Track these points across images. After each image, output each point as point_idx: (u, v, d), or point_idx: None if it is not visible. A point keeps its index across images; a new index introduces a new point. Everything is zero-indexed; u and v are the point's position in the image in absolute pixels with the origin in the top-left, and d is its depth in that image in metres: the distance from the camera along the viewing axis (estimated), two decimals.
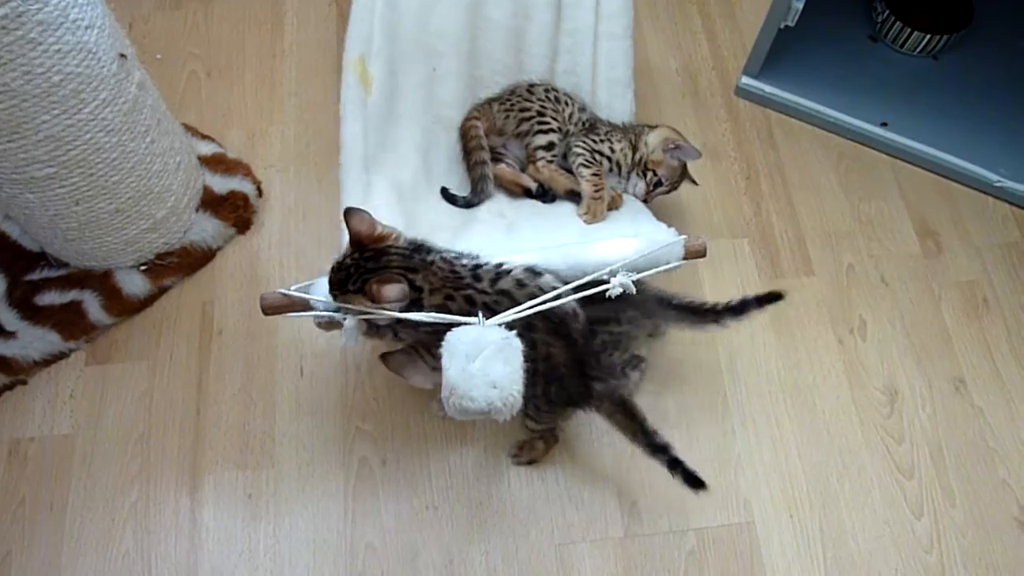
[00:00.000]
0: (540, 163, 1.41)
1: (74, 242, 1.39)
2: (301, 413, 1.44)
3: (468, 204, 1.43)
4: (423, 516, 1.36)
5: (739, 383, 1.48)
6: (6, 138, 1.11)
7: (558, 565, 1.33)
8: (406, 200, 1.34)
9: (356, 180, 1.32)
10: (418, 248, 1.08)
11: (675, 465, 1.14)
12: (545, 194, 1.43)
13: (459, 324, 0.94)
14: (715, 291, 1.56)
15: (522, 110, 1.43)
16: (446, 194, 1.42)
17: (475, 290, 1.05)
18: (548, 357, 1.08)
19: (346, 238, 1.08)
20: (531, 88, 1.46)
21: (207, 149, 1.62)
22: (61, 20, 1.07)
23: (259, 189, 1.62)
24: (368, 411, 1.44)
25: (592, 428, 1.43)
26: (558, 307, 1.03)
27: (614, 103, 1.47)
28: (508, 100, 1.47)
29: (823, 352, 1.52)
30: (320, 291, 1.12)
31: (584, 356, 1.10)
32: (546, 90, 1.46)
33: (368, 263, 1.05)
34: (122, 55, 1.21)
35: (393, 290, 0.97)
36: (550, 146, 1.41)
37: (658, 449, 1.15)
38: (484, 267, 1.08)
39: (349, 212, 1.06)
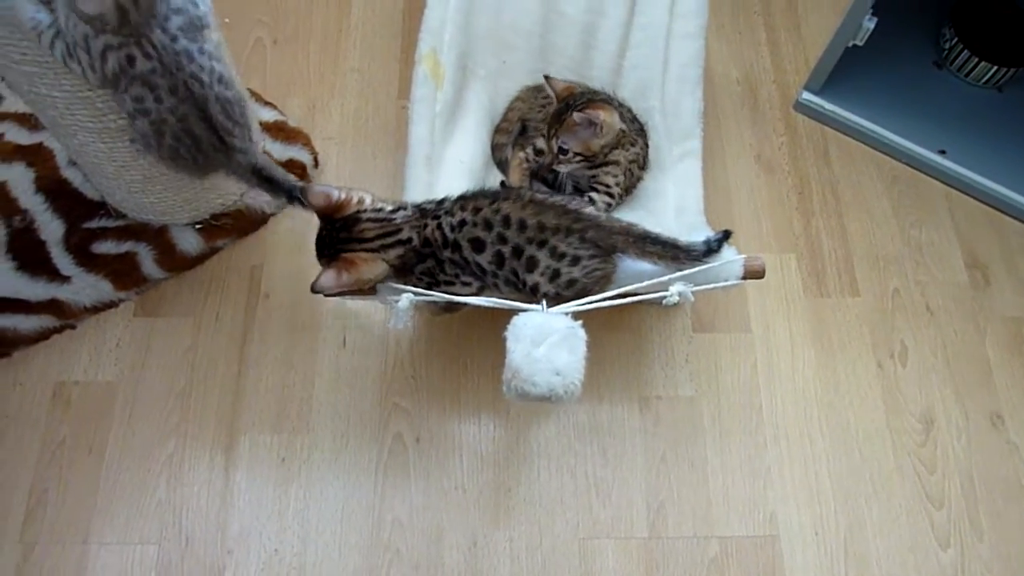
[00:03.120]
0: (521, 162, 1.42)
1: (136, 195, 1.42)
2: (340, 383, 1.46)
3: None
4: (451, 497, 1.38)
5: (775, 396, 1.48)
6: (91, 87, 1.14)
7: (581, 559, 1.34)
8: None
9: (418, 179, 1.34)
10: (400, 207, 1.15)
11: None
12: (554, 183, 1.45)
13: (522, 310, 0.95)
14: (758, 303, 1.56)
15: (556, 110, 1.42)
16: (504, 187, 1.44)
17: (445, 213, 1.14)
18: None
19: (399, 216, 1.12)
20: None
21: (269, 116, 1.64)
22: None
23: (316, 160, 1.64)
24: (406, 388, 1.46)
25: (626, 426, 1.44)
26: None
27: (683, 100, 1.47)
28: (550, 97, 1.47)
29: (862, 374, 1.51)
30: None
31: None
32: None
33: (340, 233, 1.11)
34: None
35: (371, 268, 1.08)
36: (539, 153, 1.41)
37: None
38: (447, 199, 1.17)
39: (305, 191, 1.14)
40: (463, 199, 1.15)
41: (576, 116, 1.31)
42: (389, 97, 1.76)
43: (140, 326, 1.50)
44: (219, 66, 1.17)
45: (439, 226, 1.13)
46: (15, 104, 1.64)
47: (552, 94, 1.36)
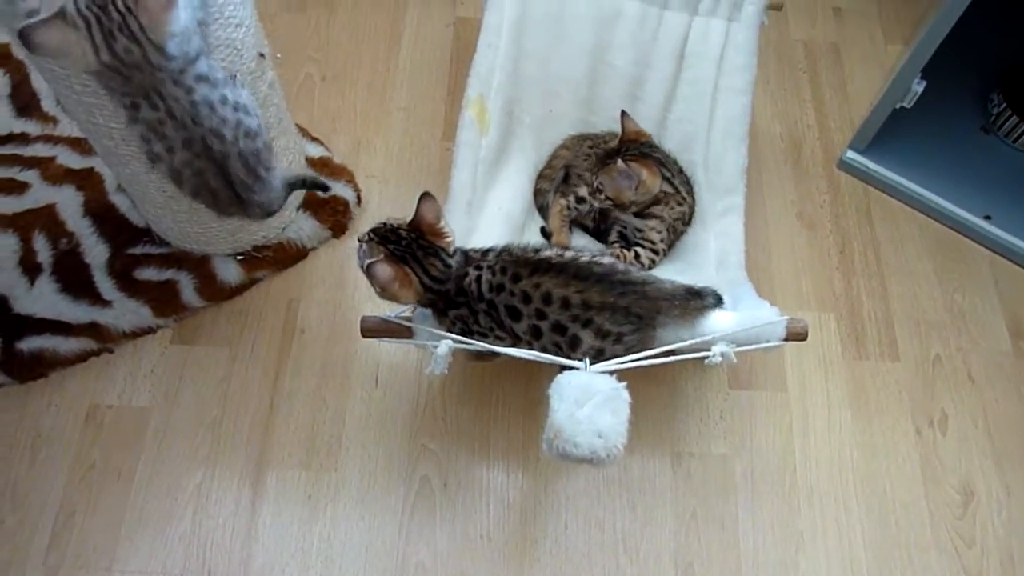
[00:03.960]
0: (562, 209, 1.42)
1: (182, 224, 1.44)
2: (370, 422, 1.45)
3: (547, 236, 1.46)
4: (477, 544, 1.36)
5: (810, 458, 1.45)
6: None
7: None
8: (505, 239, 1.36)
9: (458, 224, 1.35)
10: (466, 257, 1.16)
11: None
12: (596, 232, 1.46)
13: (565, 366, 0.95)
14: (796, 362, 1.54)
15: (607, 149, 1.43)
16: (544, 234, 1.44)
17: (487, 267, 1.13)
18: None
19: None
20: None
21: (315, 151, 1.66)
22: (216, 16, 1.11)
23: (359, 197, 1.66)
24: (436, 431, 1.45)
25: (657, 481, 1.41)
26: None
27: (727, 155, 1.47)
28: (597, 146, 1.48)
29: (900, 440, 1.48)
30: (421, 321, 1.15)
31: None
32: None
33: (417, 250, 1.10)
34: (261, 54, 1.26)
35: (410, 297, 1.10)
36: (581, 201, 1.42)
37: None
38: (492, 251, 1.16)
39: (424, 195, 1.11)
40: (504, 260, 1.13)
41: (620, 164, 1.32)
42: (434, 137, 1.77)
43: (176, 353, 1.51)
44: (247, 118, 1.15)
45: (478, 279, 1.13)
46: (68, 128, 1.68)
47: (621, 130, 1.36)
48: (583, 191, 1.42)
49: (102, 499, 1.38)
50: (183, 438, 1.43)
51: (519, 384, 1.49)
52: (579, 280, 1.07)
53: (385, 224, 1.13)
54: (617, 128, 1.51)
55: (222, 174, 1.17)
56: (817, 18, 2.01)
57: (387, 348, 1.52)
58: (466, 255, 1.15)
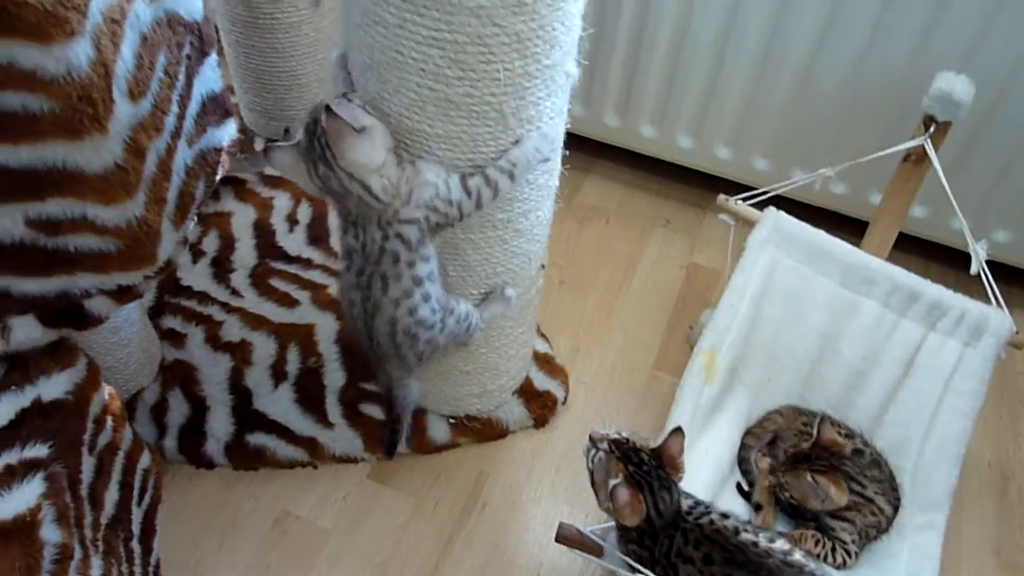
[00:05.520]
0: (765, 475, 1.46)
1: (418, 380, 1.60)
2: None
3: (747, 496, 1.49)
4: None
5: None
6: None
7: None
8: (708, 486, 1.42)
9: None
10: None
11: None
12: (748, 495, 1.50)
13: None
14: None
15: (797, 451, 1.46)
16: (740, 490, 1.49)
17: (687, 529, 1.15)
18: None
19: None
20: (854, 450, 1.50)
21: (541, 347, 1.82)
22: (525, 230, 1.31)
23: (566, 397, 1.78)
24: None
25: None
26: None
27: (937, 471, 1.47)
28: (810, 426, 1.53)
29: None
30: (613, 542, 1.21)
31: None
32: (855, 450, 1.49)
33: (655, 480, 1.14)
34: (542, 265, 1.45)
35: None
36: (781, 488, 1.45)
37: None
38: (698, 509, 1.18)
39: (677, 430, 1.17)
40: (704, 532, 1.14)
41: (809, 479, 1.37)
42: (646, 363, 1.89)
43: (368, 488, 1.64)
44: (423, 305, 1.19)
45: (671, 537, 1.15)
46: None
47: (815, 433, 1.41)
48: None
49: None
50: (350, 570, 1.52)
51: None
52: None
53: (628, 440, 1.18)
54: (831, 411, 1.57)
55: (365, 321, 1.23)
56: None
57: (555, 548, 1.57)
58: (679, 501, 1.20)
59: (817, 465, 1.40)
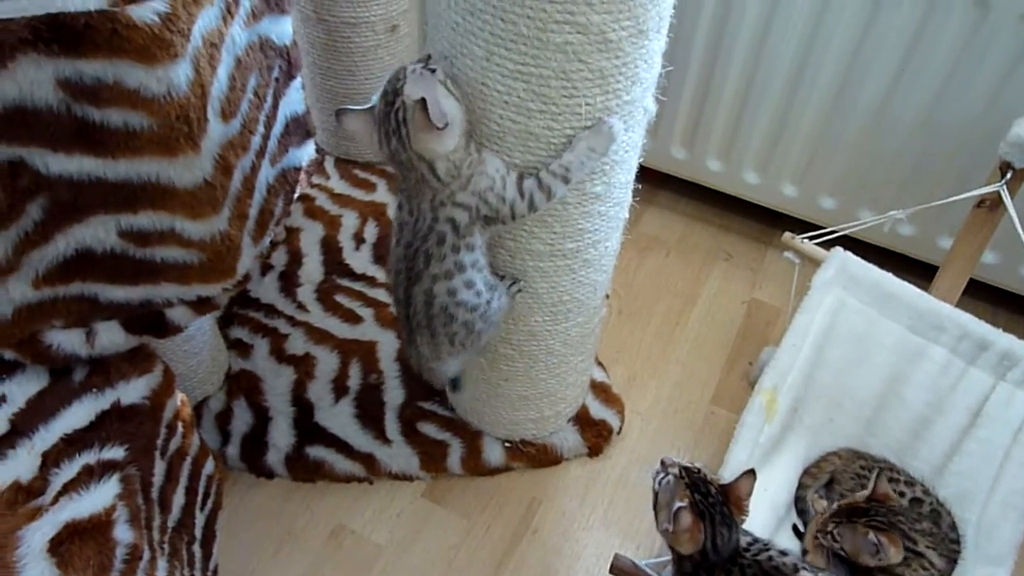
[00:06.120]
0: (820, 536, 1.41)
1: (476, 402, 1.62)
2: None
3: (803, 537, 1.47)
4: None
5: None
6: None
7: None
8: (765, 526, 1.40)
9: None
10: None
11: None
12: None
13: None
14: None
15: (852, 503, 1.43)
16: (796, 531, 1.47)
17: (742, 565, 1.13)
18: None
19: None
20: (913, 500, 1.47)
21: (599, 376, 1.83)
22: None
23: (621, 427, 1.78)
24: None
25: None
26: None
27: (1001, 525, 1.43)
28: (868, 469, 1.50)
29: None
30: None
31: None
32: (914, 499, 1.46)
33: (718, 514, 1.12)
34: (607, 295, 1.46)
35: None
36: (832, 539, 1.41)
37: None
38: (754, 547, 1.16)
39: (749, 472, 1.15)
40: (758, 570, 1.13)
41: (872, 536, 1.33)
42: (702, 398, 1.88)
43: (422, 507, 1.65)
44: (466, 291, 1.19)
45: (728, 571, 1.14)
46: None
47: (871, 486, 1.38)
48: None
49: None
50: None
51: None
52: None
53: (700, 471, 1.18)
54: (892, 458, 1.55)
55: (407, 290, 1.24)
56: None
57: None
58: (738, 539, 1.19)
59: (875, 520, 1.37)
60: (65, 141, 1.01)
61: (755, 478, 1.15)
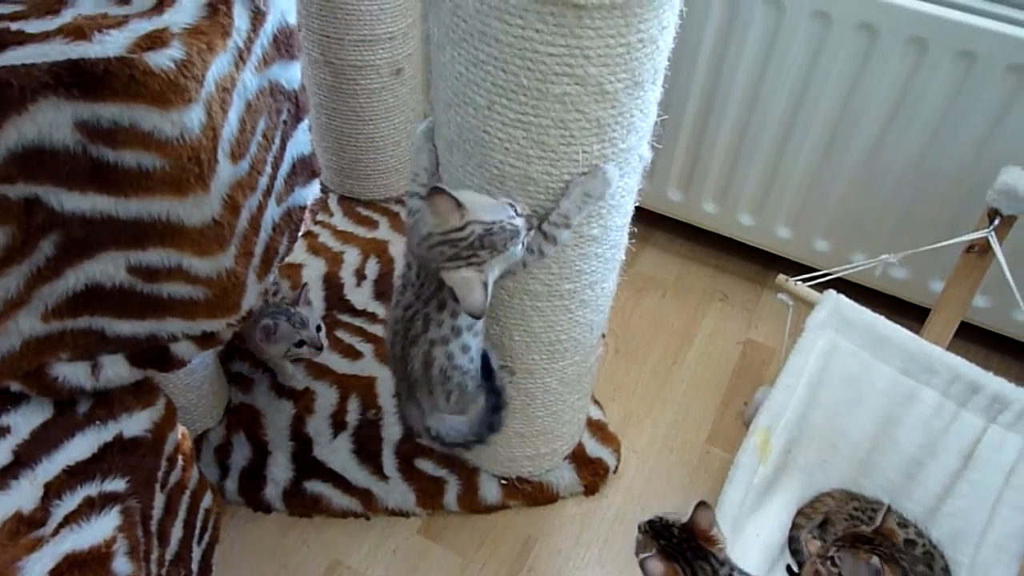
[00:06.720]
0: (819, 562, 1.40)
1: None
2: None
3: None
4: None
5: None
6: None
7: None
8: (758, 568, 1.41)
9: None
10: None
11: None
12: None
13: None
14: None
15: (857, 531, 1.44)
16: (790, 572, 1.48)
17: None
18: None
19: None
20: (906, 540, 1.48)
21: (595, 414, 1.84)
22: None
23: (617, 466, 1.79)
24: None
25: None
26: None
27: (993, 568, 1.44)
28: (863, 511, 1.51)
29: None
30: None
31: None
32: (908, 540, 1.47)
33: (688, 551, 1.13)
34: (603, 334, 1.48)
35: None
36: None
37: None
38: None
39: (700, 504, 1.16)
40: None
41: (875, 561, 1.33)
42: (698, 437, 1.90)
43: (418, 544, 1.66)
44: (461, 355, 1.22)
45: None
46: None
47: (879, 520, 1.39)
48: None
49: None
50: None
51: None
52: None
53: (661, 519, 1.20)
54: (885, 498, 1.56)
55: (403, 348, 1.25)
56: None
57: None
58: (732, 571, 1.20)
59: (878, 551, 1.38)
60: (80, 180, 1.04)
61: (709, 508, 1.16)
